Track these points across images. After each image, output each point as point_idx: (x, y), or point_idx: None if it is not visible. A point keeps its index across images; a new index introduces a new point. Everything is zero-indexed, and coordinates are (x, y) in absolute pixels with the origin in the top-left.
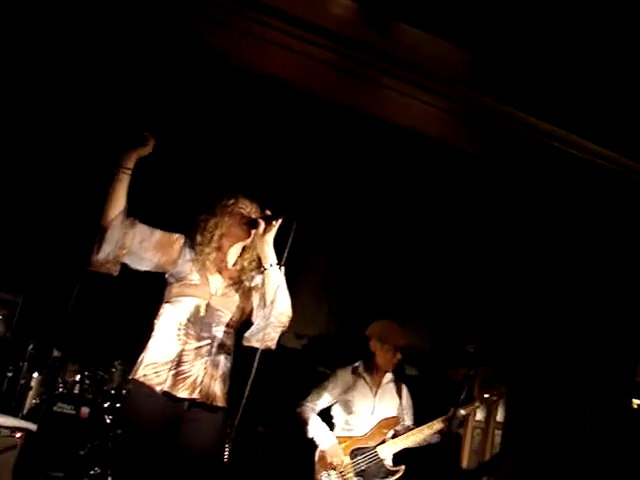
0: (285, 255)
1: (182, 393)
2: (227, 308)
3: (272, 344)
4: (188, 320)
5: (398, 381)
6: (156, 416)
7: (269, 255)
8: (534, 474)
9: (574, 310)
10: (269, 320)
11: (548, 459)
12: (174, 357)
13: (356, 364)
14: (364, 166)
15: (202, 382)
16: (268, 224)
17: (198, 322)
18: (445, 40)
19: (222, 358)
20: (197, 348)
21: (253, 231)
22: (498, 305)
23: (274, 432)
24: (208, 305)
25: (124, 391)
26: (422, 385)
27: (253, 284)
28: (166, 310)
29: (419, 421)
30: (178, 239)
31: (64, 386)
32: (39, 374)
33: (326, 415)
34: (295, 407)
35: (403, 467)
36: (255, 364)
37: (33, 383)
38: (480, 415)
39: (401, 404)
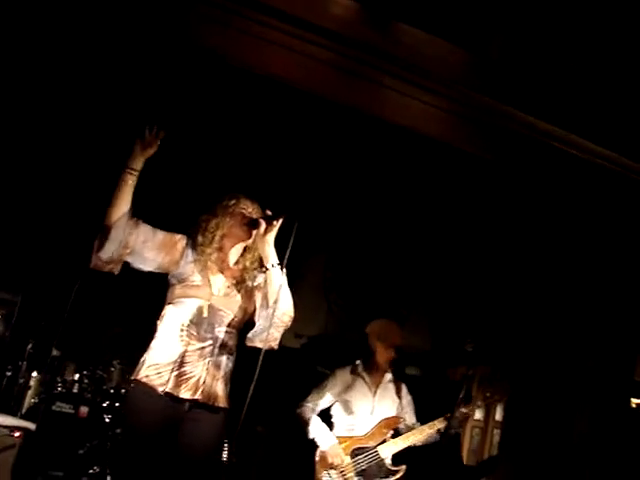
0: (287, 255)
1: (184, 394)
2: (229, 308)
3: (275, 344)
4: (191, 321)
5: (397, 380)
6: (157, 416)
7: (270, 255)
8: (533, 473)
9: (573, 310)
10: (272, 320)
11: (547, 458)
12: (177, 358)
13: (355, 364)
14: (364, 166)
15: (204, 383)
16: (269, 224)
17: (201, 323)
18: (444, 40)
19: (224, 358)
20: (200, 349)
21: (254, 231)
22: (497, 305)
23: (273, 432)
24: (210, 306)
25: (123, 390)
26: (422, 384)
27: (255, 284)
28: (168, 311)
29: (419, 420)
30: (181, 240)
31: (63, 385)
32: (38, 373)
33: (326, 415)
34: (295, 408)
35: (404, 467)
36: (259, 365)
37: (32, 382)
38: (479, 414)
39: (401, 404)
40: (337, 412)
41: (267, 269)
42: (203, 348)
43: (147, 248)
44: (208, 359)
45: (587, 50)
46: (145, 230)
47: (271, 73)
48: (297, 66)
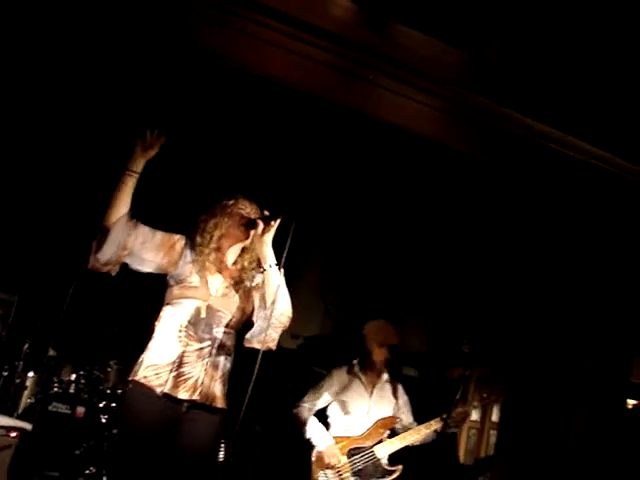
0: (284, 256)
1: (183, 394)
2: (227, 309)
3: (273, 345)
4: (189, 322)
5: (394, 381)
6: (155, 417)
7: (268, 255)
8: (529, 474)
9: (569, 311)
10: (270, 321)
11: (543, 459)
12: (175, 359)
13: (352, 364)
14: (361, 166)
15: (202, 383)
16: (266, 224)
17: (199, 324)
18: (441, 41)
19: (222, 359)
20: (198, 350)
21: (252, 232)
22: (494, 306)
23: (271, 432)
24: (208, 307)
25: (120, 391)
26: (419, 385)
27: (253, 284)
28: (167, 312)
29: (417, 420)
30: (179, 240)
31: (59, 385)
32: (34, 373)
33: (322, 415)
34: (292, 408)
35: (400, 467)
36: (257, 365)
37: (28, 382)
38: (476, 415)
39: (397, 404)
40: (334, 412)
41: (265, 269)
42: (201, 349)
43: (146, 249)
44: (206, 360)
45: (583, 51)
46: (144, 231)
47: (268, 74)
48: (294, 66)
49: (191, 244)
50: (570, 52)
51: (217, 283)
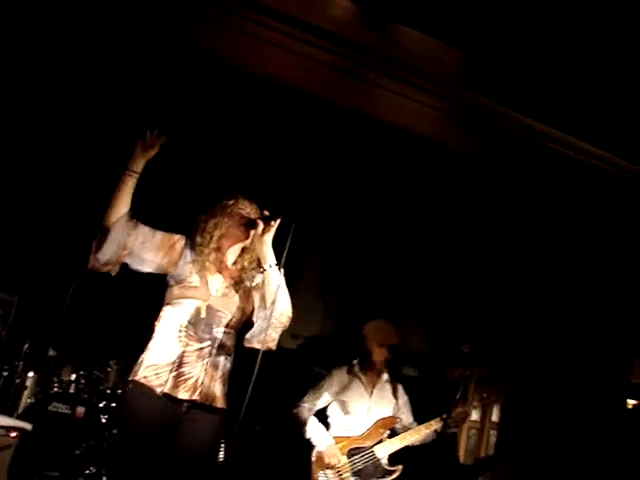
0: (284, 256)
1: (183, 394)
2: (227, 309)
3: (273, 345)
4: (189, 322)
5: (394, 381)
6: (155, 417)
7: (268, 255)
8: (530, 474)
9: (569, 311)
10: (270, 321)
11: (543, 459)
12: (175, 359)
13: (352, 364)
14: (361, 166)
15: (202, 383)
16: (266, 224)
17: (199, 324)
18: (441, 41)
19: (222, 359)
20: (198, 350)
21: (252, 231)
22: (494, 306)
23: (271, 432)
24: (208, 307)
25: (119, 391)
26: (419, 385)
27: (253, 284)
28: (166, 312)
29: (417, 420)
30: (179, 240)
31: (59, 385)
32: (34, 373)
33: (322, 415)
34: (292, 408)
35: (400, 467)
36: (257, 365)
37: (28, 382)
38: (475, 415)
39: (397, 404)
40: (333, 412)
41: (265, 270)
42: (201, 349)
43: (146, 249)
44: (206, 360)
45: (583, 51)
46: (144, 231)
47: (268, 74)
48: (294, 66)
49: (191, 244)
50: (570, 52)
51: (217, 283)
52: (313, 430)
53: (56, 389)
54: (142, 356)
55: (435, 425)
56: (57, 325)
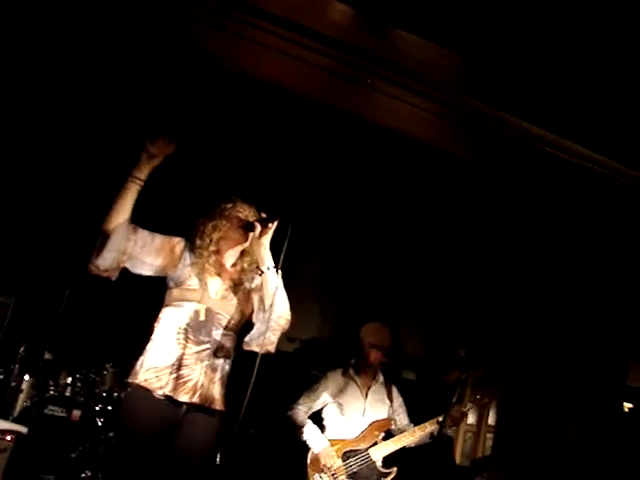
0: (281, 258)
1: (183, 397)
2: (227, 311)
3: (272, 348)
4: (188, 325)
5: (388, 383)
6: (155, 420)
7: (266, 258)
8: (526, 477)
9: (565, 315)
10: (268, 324)
11: (540, 462)
12: (174, 361)
13: (348, 365)
14: (358, 170)
15: (202, 386)
16: (264, 227)
17: (198, 327)
18: (438, 44)
19: (221, 361)
20: (197, 352)
21: (251, 234)
22: (490, 309)
23: (266, 435)
24: (208, 309)
25: (116, 394)
26: (415, 388)
27: (253, 286)
28: (166, 314)
29: (413, 423)
30: (179, 243)
31: (55, 389)
32: (30, 376)
33: (317, 418)
34: (286, 410)
35: (395, 469)
36: (256, 368)
37: (24, 385)
38: (472, 418)
39: (392, 406)
40: (328, 414)
41: (263, 272)
42: (200, 351)
43: (145, 253)
44: (205, 362)
45: (579, 55)
46: (143, 235)
47: (266, 77)
48: (291, 70)
49: (190, 247)
50: (566, 55)
51: (216, 286)
52: (308, 432)
53: (52, 392)
54: (141, 358)
55: (430, 427)
56: (53, 328)
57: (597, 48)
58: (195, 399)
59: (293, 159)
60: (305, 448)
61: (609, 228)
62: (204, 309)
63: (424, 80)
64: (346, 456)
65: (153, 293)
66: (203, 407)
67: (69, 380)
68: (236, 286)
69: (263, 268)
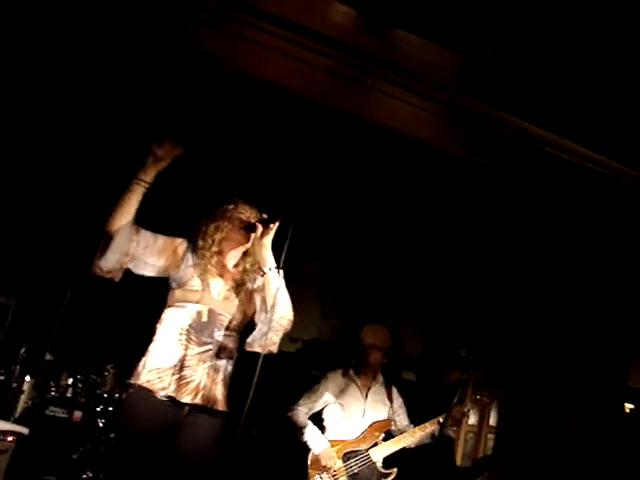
0: (282, 259)
1: (185, 398)
2: (229, 312)
3: (274, 348)
4: (190, 326)
5: (388, 384)
6: (157, 421)
7: (267, 258)
8: (526, 477)
9: (567, 314)
10: (270, 324)
11: (541, 463)
12: (177, 362)
13: (347, 367)
14: (358, 170)
15: (204, 386)
16: (266, 227)
17: (200, 328)
18: (438, 44)
19: (224, 362)
20: (199, 353)
21: (252, 235)
22: (490, 309)
23: (268, 435)
24: (210, 310)
25: (117, 395)
26: (416, 389)
27: (255, 286)
28: (168, 315)
29: (413, 424)
30: (181, 244)
31: (56, 390)
32: (31, 377)
33: (317, 418)
34: (287, 411)
35: (395, 470)
36: (258, 369)
37: (25, 386)
38: (473, 419)
39: (392, 407)
40: (329, 415)
41: (265, 273)
42: (203, 352)
43: (148, 254)
44: (208, 363)
45: (579, 55)
46: (145, 236)
47: (266, 78)
48: (291, 70)
49: (193, 247)
50: (566, 55)
51: (218, 286)
52: (309, 433)
53: (53, 393)
54: (143, 359)
55: (430, 427)
56: (54, 329)
57: (597, 48)
58: (197, 400)
59: (294, 160)
60: (306, 449)
61: (609, 228)
62: (206, 310)
63: (424, 80)
64: (346, 457)
65: (155, 294)
66: (205, 408)
67: (70, 381)
68: (238, 287)
69: (265, 269)
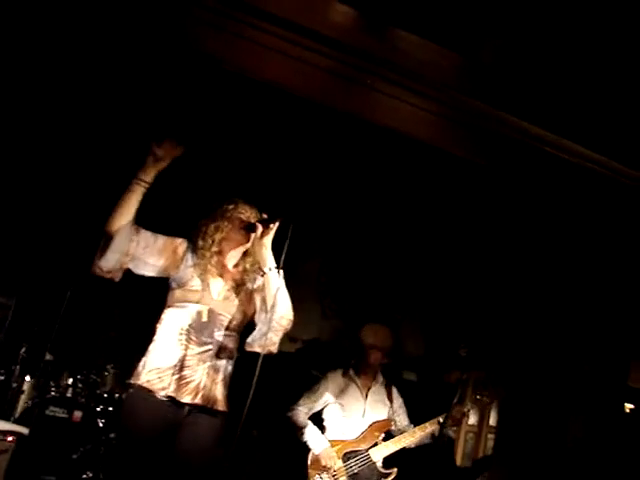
0: (282, 259)
1: (185, 398)
2: (229, 312)
3: (274, 348)
4: (190, 326)
5: (388, 384)
6: (157, 421)
7: (267, 258)
8: (526, 477)
9: (567, 314)
10: (270, 324)
11: (541, 463)
12: (176, 362)
13: (347, 367)
14: (358, 170)
15: (204, 386)
16: (265, 227)
17: (200, 328)
18: (437, 44)
19: (224, 362)
20: (199, 353)
21: (252, 235)
22: (491, 309)
23: (267, 436)
24: (210, 310)
25: (117, 395)
26: (416, 389)
27: (255, 286)
28: (168, 315)
29: (413, 424)
30: (181, 244)
31: (56, 390)
32: (31, 377)
33: (317, 418)
34: (287, 411)
35: (395, 470)
36: (257, 369)
37: (25, 387)
38: (473, 419)
39: (392, 407)
40: (329, 415)
41: (265, 273)
42: (203, 352)
43: (148, 254)
44: (208, 363)
45: (579, 55)
46: (145, 236)
47: (266, 78)
48: (291, 70)
49: (193, 247)
50: (566, 55)
51: (218, 286)
52: (309, 433)
53: (53, 393)
54: (143, 359)
55: (430, 427)
56: (54, 329)
57: (597, 48)
58: (197, 400)
59: (294, 160)
60: (306, 449)
61: (609, 228)
62: (206, 310)
63: (424, 80)
64: (346, 457)
65: (154, 294)
66: (205, 408)
67: (70, 381)
68: (238, 287)
69: (265, 269)
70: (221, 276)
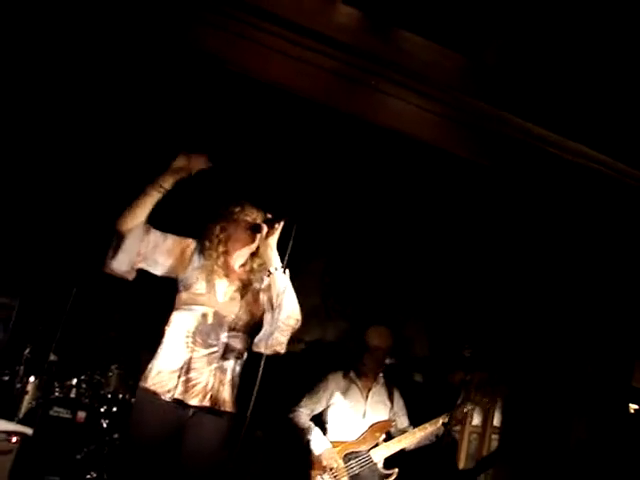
0: (286, 258)
1: (193, 400)
2: (235, 313)
3: (280, 349)
4: (196, 328)
5: (389, 384)
6: (164, 424)
7: (273, 258)
8: (530, 478)
9: (570, 315)
10: (277, 324)
11: (544, 464)
12: (182, 364)
13: (348, 368)
14: (362, 172)
15: (212, 388)
16: (270, 227)
17: (206, 330)
18: (441, 45)
19: (231, 363)
20: (206, 355)
21: (258, 235)
22: (494, 310)
23: (272, 437)
24: (215, 312)
25: (121, 395)
26: (420, 389)
27: (262, 286)
28: (175, 317)
29: (415, 425)
30: (190, 245)
31: (60, 390)
32: (35, 378)
33: (318, 420)
34: (288, 412)
35: (396, 470)
36: (260, 370)
37: (29, 387)
38: (477, 420)
39: (393, 408)
40: (330, 416)
41: (271, 273)
42: (209, 354)
43: (158, 252)
44: (215, 364)
45: (582, 55)
46: (155, 235)
47: (270, 79)
48: (295, 71)
49: (200, 249)
50: (570, 56)
51: (224, 288)
52: (310, 434)
53: (57, 394)
54: (152, 362)
55: (430, 428)
56: (58, 329)
57: (601, 48)
58: (205, 402)
59: (298, 160)
60: (308, 450)
61: (614, 230)
62: (212, 312)
63: (428, 81)
64: (347, 458)
65: (160, 294)
66: (212, 409)
67: (74, 381)
68: (245, 287)
69: (271, 269)
70: (227, 277)
